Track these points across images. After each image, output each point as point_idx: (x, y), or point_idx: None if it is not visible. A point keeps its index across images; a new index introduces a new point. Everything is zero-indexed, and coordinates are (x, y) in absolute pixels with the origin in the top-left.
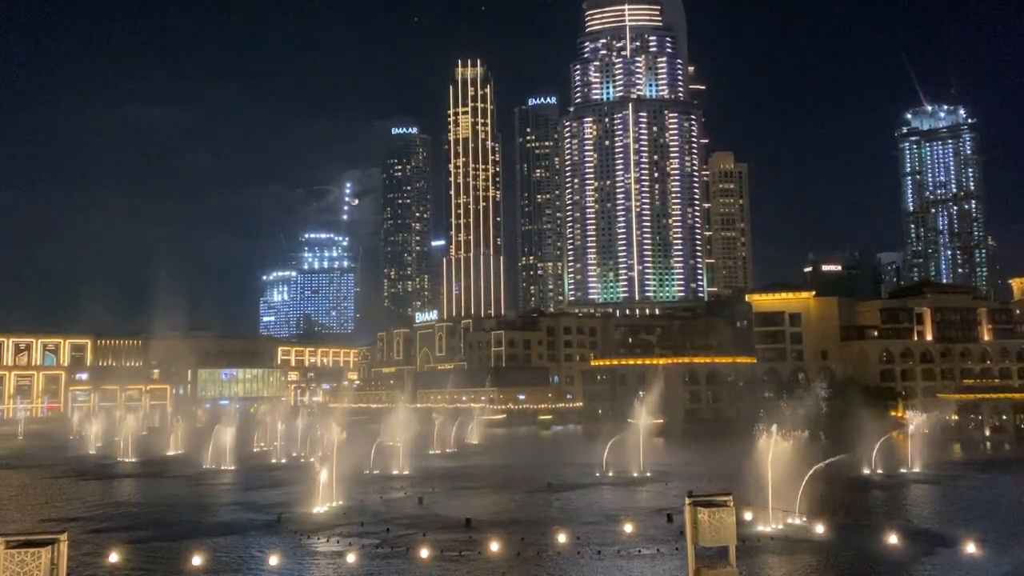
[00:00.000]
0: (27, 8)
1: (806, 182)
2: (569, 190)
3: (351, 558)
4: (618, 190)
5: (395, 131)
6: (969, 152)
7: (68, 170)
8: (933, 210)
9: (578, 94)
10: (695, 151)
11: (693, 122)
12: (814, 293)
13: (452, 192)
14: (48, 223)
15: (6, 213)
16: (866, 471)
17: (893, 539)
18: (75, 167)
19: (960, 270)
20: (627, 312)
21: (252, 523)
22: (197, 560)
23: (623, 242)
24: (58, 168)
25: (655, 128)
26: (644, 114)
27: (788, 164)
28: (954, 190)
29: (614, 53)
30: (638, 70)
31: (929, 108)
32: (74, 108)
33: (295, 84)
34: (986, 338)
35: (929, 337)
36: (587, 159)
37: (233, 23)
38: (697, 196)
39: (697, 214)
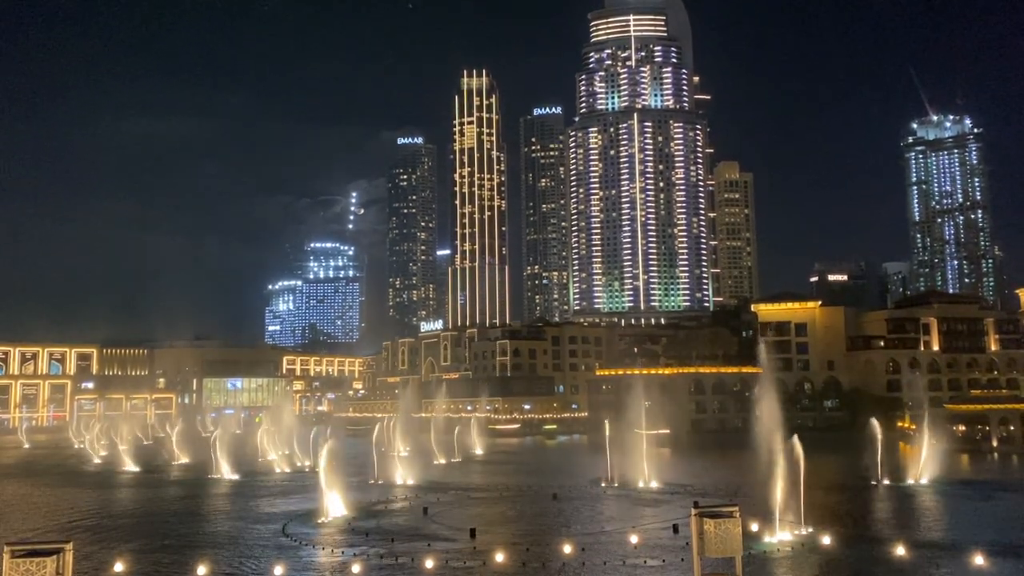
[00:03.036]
0: (34, 18)
1: (812, 192)
2: (574, 199)
3: (356, 568)
4: (623, 200)
5: (401, 141)
6: (975, 162)
7: (76, 180)
8: (939, 220)
9: (583, 104)
10: (700, 161)
11: (698, 132)
12: (820, 303)
13: (457, 201)
14: (55, 233)
15: (13, 222)
16: (873, 481)
17: (900, 550)
18: (83, 177)
19: (967, 280)
20: (632, 322)
21: (257, 533)
22: (202, 570)
23: (628, 251)
24: (66, 178)
25: (660, 138)
26: (649, 124)
27: (794, 174)
28: (960, 200)
29: (619, 63)
30: (643, 80)
31: (935, 118)
32: (82, 118)
33: (302, 95)
34: (993, 348)
35: (936, 347)
36: (592, 169)
37: (242, 34)
38: (702, 206)
39: (702, 223)
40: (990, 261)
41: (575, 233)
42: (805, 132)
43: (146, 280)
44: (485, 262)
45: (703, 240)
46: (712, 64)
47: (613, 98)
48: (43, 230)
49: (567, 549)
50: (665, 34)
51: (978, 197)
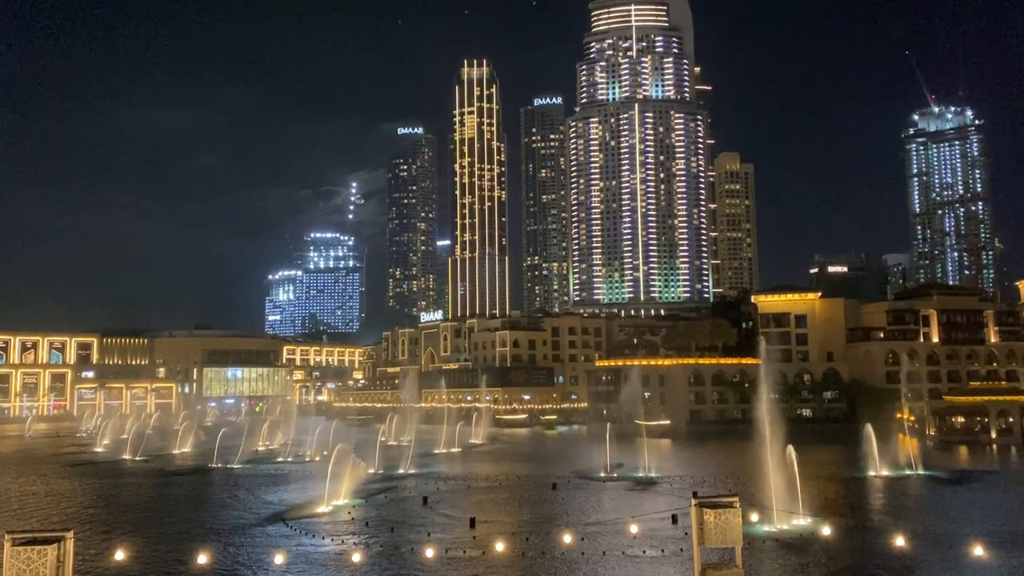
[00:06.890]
0: (39, 12)
1: (812, 183)
2: (575, 190)
3: (356, 558)
4: (623, 190)
5: (401, 131)
6: (976, 154)
7: (77, 171)
8: (940, 212)
9: (584, 94)
10: (701, 152)
11: (699, 123)
12: (820, 294)
13: (457, 192)
14: (56, 223)
15: (16, 213)
16: (871, 472)
17: (900, 541)
18: (84, 168)
19: (966, 272)
20: (632, 313)
21: (257, 522)
22: (202, 559)
23: (628, 242)
24: (68, 169)
25: (661, 129)
26: (650, 114)
27: (794, 165)
28: (961, 192)
29: (620, 53)
30: (644, 70)
31: (936, 109)
32: (84, 110)
33: (303, 86)
34: (992, 340)
35: (935, 339)
36: (592, 159)
37: (242, 26)
38: (703, 197)
39: (703, 215)
40: (990, 253)
41: (575, 224)
42: (806, 123)
43: (147, 270)
44: (485, 253)
45: (703, 231)
46: (713, 55)
47: (614, 88)
48: (44, 220)
49: (567, 539)
50: (666, 24)
51: (979, 189)
